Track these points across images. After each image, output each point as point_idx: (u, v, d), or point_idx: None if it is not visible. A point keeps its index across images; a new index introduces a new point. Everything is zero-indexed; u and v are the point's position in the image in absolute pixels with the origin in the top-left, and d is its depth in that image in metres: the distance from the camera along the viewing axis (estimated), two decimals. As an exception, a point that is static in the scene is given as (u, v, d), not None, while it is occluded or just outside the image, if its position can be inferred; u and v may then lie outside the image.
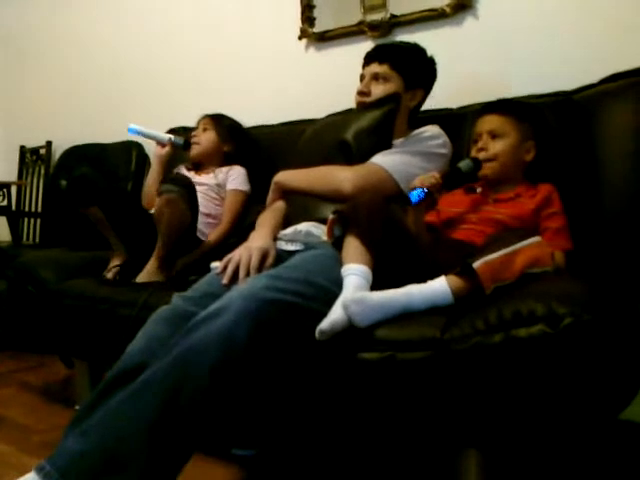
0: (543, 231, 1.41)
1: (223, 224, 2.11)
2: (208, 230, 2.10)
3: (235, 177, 2.19)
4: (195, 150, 2.26)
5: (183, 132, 2.40)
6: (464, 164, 1.49)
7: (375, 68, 1.76)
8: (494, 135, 1.52)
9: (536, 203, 1.44)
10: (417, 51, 1.81)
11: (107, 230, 1.97)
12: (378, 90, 1.73)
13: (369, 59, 1.81)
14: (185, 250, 1.93)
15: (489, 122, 1.54)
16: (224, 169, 2.22)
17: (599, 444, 1.47)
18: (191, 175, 2.24)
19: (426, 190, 1.38)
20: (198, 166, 2.30)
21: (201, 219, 2.05)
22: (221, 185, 2.19)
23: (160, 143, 2.27)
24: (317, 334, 1.11)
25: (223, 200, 2.18)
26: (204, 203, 2.09)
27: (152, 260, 1.84)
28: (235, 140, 2.28)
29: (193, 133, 2.31)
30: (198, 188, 2.08)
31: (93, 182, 1.94)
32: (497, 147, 1.51)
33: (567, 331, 0.95)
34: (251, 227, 1.65)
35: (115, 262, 1.92)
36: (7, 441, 1.71)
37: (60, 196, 3.01)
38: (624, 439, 1.54)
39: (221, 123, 2.29)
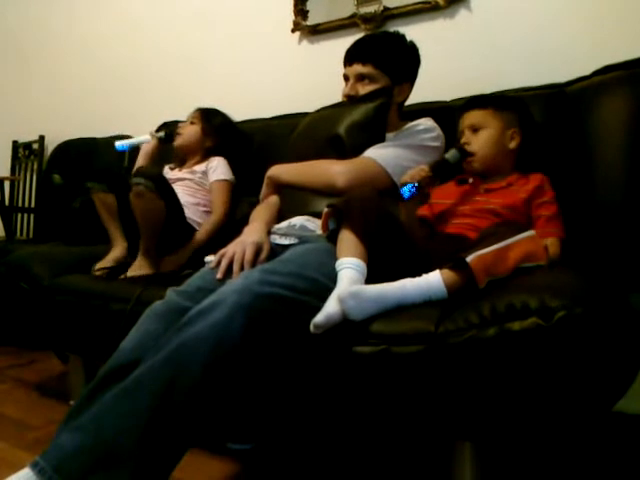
0: (536, 219, 1.42)
1: (215, 214, 2.11)
2: (199, 218, 2.11)
3: (215, 168, 2.20)
4: (177, 142, 2.29)
5: (175, 125, 2.40)
6: (450, 155, 1.49)
7: (359, 69, 1.72)
8: (475, 129, 1.54)
9: (528, 192, 1.44)
10: (398, 43, 1.77)
11: (112, 222, 1.99)
12: (365, 91, 1.71)
13: (351, 58, 1.76)
14: (177, 241, 1.94)
15: (469, 118, 1.56)
16: (203, 164, 2.23)
17: (593, 436, 1.48)
18: (173, 172, 2.27)
19: (417, 184, 1.38)
20: (182, 162, 2.31)
21: (192, 209, 2.08)
22: (201, 177, 2.20)
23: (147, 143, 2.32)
24: (312, 328, 1.11)
25: (208, 191, 2.19)
26: (190, 193, 2.14)
27: (139, 256, 1.85)
28: (219, 136, 2.28)
29: (180, 124, 2.32)
30: (179, 183, 2.15)
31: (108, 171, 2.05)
32: (479, 140, 1.52)
33: (561, 324, 0.95)
34: (244, 221, 1.64)
35: (107, 263, 1.92)
36: (2, 437, 1.71)
37: (53, 190, 3.00)
38: (618, 431, 1.55)
39: (209, 118, 2.29)
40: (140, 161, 2.30)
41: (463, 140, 1.54)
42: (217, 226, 2.07)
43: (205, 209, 2.15)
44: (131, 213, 1.84)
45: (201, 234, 2.02)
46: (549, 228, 1.39)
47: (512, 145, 1.53)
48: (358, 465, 1.55)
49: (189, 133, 2.28)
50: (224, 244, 1.46)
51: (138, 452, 1.03)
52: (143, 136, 2.33)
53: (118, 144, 2.29)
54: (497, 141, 1.52)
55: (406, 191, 1.38)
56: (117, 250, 1.97)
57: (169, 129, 2.34)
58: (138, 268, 1.83)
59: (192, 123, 2.29)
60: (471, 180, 1.55)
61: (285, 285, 1.17)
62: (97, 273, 1.88)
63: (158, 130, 2.42)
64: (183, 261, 1.91)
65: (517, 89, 1.74)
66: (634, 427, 1.56)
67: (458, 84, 1.98)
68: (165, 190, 1.85)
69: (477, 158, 1.51)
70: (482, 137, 1.52)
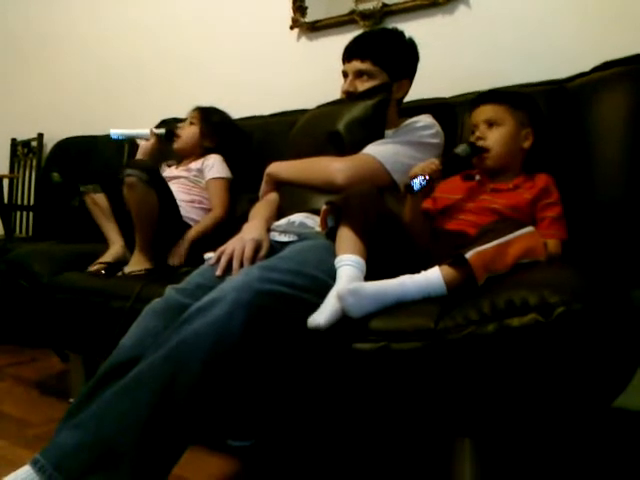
0: (540, 221, 1.41)
1: (214, 212, 2.11)
2: (196, 215, 2.11)
3: (211, 166, 2.19)
4: (176, 144, 2.29)
5: (174, 123, 2.40)
6: (461, 149, 1.48)
7: (358, 65, 1.72)
8: (491, 123, 1.51)
9: (533, 194, 1.43)
10: (397, 39, 1.77)
11: (106, 222, 1.99)
12: (364, 88, 1.71)
13: (349, 55, 1.76)
14: (174, 236, 1.94)
15: (485, 112, 1.53)
16: (199, 161, 2.23)
17: (593, 432, 1.48)
18: (170, 170, 2.28)
19: (427, 178, 1.38)
20: (180, 160, 2.31)
21: (186, 207, 2.09)
22: (196, 175, 2.20)
23: (145, 139, 2.29)
24: (311, 327, 1.11)
25: (203, 188, 2.18)
26: (184, 191, 2.14)
27: (136, 251, 1.86)
28: (218, 137, 2.28)
29: (179, 125, 2.31)
30: (174, 181, 2.15)
31: (101, 172, 2.01)
32: (495, 135, 1.50)
33: (560, 320, 0.95)
34: (244, 218, 1.64)
35: (106, 258, 1.92)
36: (2, 435, 1.71)
37: (52, 188, 3.00)
38: (618, 427, 1.55)
39: (208, 118, 2.28)
40: (138, 157, 2.29)
41: (478, 134, 1.51)
42: (216, 222, 2.07)
43: (200, 206, 2.15)
44: (125, 211, 1.84)
45: (199, 226, 2.02)
46: (552, 230, 1.39)
47: (526, 145, 1.52)
48: (358, 462, 1.56)
49: (188, 135, 2.27)
50: (223, 241, 1.46)
51: (138, 449, 1.03)
52: (143, 130, 2.31)
53: (113, 132, 2.26)
54: (512, 139, 1.50)
55: (417, 184, 1.37)
56: (115, 248, 1.97)
57: (169, 127, 2.33)
58: (136, 264, 1.84)
59: (191, 123, 2.28)
60: (478, 177, 1.54)
61: (285, 282, 1.17)
62: (95, 267, 1.88)
63: (158, 128, 2.40)
64: (183, 252, 1.91)
65: (517, 85, 1.74)
66: (634, 423, 1.56)
67: (457, 80, 1.98)
68: (157, 182, 1.85)
69: (491, 155, 1.49)
70: (498, 133, 1.50)
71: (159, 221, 1.84)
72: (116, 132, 2.27)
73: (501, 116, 1.51)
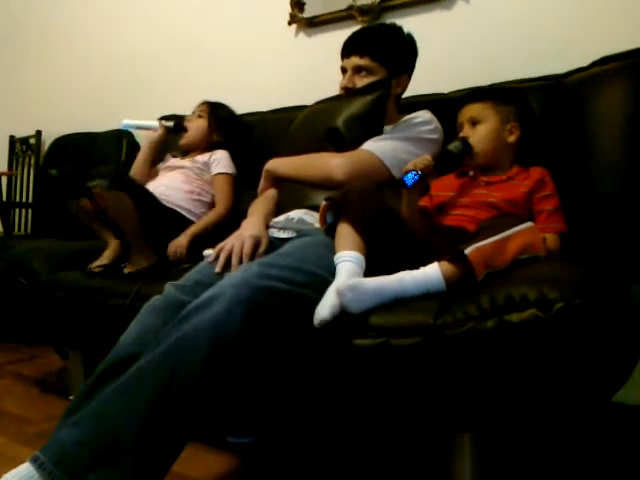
0: (537, 214, 1.41)
1: (219, 208, 2.13)
2: (192, 207, 2.12)
3: (218, 161, 2.21)
4: (183, 140, 2.30)
5: (174, 118, 2.40)
6: (454, 146, 1.49)
7: (356, 61, 1.72)
8: (474, 122, 1.53)
9: (528, 187, 1.44)
10: (395, 35, 1.76)
11: (95, 224, 1.99)
12: (362, 84, 1.71)
13: (348, 51, 1.76)
14: (172, 229, 1.96)
15: (469, 111, 1.55)
16: (206, 154, 2.24)
17: (592, 427, 1.48)
18: (175, 160, 2.29)
19: (420, 172, 1.38)
20: (186, 153, 2.32)
21: (184, 196, 2.11)
22: (201, 168, 2.21)
23: (154, 130, 2.32)
24: (317, 323, 1.11)
25: (205, 181, 2.19)
26: (185, 181, 2.16)
27: (132, 253, 1.87)
28: (225, 131, 2.29)
29: (188, 117, 2.32)
30: (178, 170, 2.18)
31: (79, 176, 2.00)
32: (478, 133, 1.51)
33: (559, 315, 0.95)
34: (243, 215, 1.64)
35: (102, 260, 1.92)
36: (2, 432, 1.71)
37: (50, 185, 3.00)
38: (616, 422, 1.56)
39: (216, 112, 2.30)
40: (144, 150, 2.31)
41: (462, 134, 1.53)
42: (220, 218, 2.08)
43: (199, 197, 2.16)
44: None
45: (201, 222, 2.03)
46: (551, 223, 1.39)
47: (511, 139, 1.53)
48: (358, 458, 1.56)
49: (196, 127, 2.28)
50: (223, 238, 1.46)
51: (138, 446, 1.03)
52: (153, 122, 2.32)
53: (124, 123, 2.29)
54: (496, 135, 1.51)
55: (409, 178, 1.38)
56: (110, 248, 1.96)
57: (177, 119, 2.34)
58: (135, 264, 1.84)
59: (200, 117, 2.29)
60: (472, 173, 1.55)
61: (284, 278, 1.17)
62: (95, 270, 1.88)
63: (163, 119, 2.40)
64: (185, 244, 1.92)
65: (515, 80, 1.74)
66: (632, 418, 1.56)
67: (456, 76, 1.98)
68: (123, 183, 1.86)
69: (476, 152, 1.50)
70: (481, 131, 1.51)
71: (142, 218, 1.85)
72: (127, 123, 2.29)
73: (483, 113, 1.52)
